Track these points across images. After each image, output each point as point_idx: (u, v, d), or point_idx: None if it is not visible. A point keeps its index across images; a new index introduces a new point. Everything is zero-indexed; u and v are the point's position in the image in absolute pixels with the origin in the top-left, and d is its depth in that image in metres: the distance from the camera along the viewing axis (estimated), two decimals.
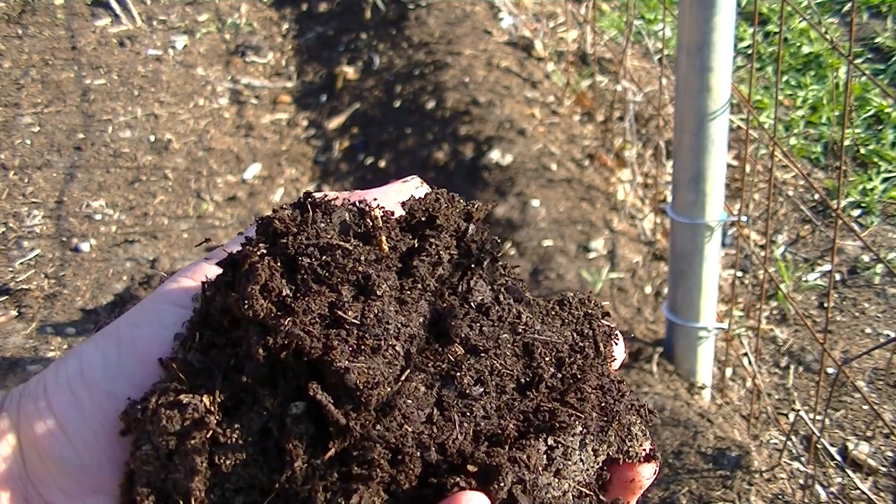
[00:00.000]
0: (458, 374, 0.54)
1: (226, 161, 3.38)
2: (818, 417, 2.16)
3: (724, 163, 2.12)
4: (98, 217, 3.00)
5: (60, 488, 0.56)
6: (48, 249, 2.84)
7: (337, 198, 0.59)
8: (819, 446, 1.97)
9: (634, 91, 3.32)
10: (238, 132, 3.55)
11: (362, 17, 4.08)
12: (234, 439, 0.52)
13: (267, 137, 3.55)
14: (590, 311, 0.63)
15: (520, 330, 0.58)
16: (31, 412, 0.56)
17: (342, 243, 0.55)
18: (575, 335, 0.61)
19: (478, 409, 0.54)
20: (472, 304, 0.58)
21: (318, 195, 0.58)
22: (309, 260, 0.54)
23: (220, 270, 0.58)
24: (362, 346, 0.52)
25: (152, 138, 3.40)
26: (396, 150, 3.33)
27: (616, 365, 0.63)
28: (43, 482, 0.56)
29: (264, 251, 0.55)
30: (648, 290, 2.69)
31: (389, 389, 0.51)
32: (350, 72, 3.81)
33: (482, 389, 0.55)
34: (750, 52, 3.50)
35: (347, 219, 0.58)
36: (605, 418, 0.57)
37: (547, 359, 0.58)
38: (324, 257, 0.54)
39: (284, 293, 0.53)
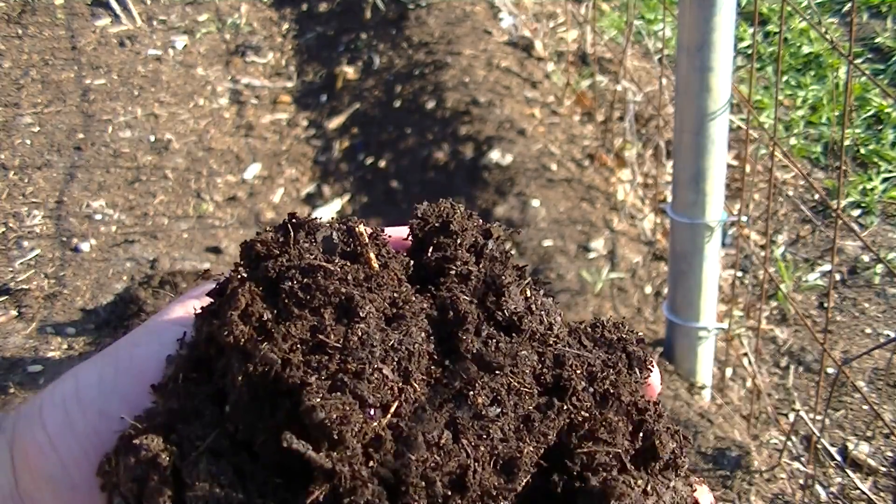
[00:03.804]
0: (472, 393, 0.51)
1: (226, 161, 3.38)
2: (818, 417, 2.16)
3: (724, 163, 2.12)
4: (98, 217, 3.00)
5: None
6: (48, 249, 2.84)
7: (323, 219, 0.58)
8: (819, 446, 1.97)
9: (634, 91, 3.32)
10: (238, 132, 3.55)
11: (362, 17, 4.08)
12: (202, 477, 0.49)
13: (267, 137, 3.55)
14: (623, 336, 0.60)
15: (551, 342, 0.56)
16: (24, 430, 0.56)
17: (324, 264, 0.53)
18: (608, 357, 0.58)
19: (495, 431, 0.50)
20: (499, 317, 0.55)
21: (301, 216, 0.57)
22: (290, 283, 0.52)
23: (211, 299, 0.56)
24: (342, 375, 0.49)
25: (152, 138, 3.40)
26: (396, 150, 3.33)
27: (654, 393, 0.60)
28: (35, 502, 0.55)
29: (245, 275, 0.54)
30: (648, 290, 2.69)
31: (376, 424, 0.48)
32: (350, 72, 3.81)
33: (499, 410, 0.51)
34: (750, 52, 3.50)
35: (334, 238, 0.56)
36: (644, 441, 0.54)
37: (578, 371, 0.55)
38: (305, 280, 0.52)
39: (265, 317, 0.51)
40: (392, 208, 3.15)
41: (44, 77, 3.68)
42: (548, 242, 2.76)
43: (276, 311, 0.52)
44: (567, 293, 2.58)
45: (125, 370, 0.57)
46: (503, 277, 0.57)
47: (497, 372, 0.52)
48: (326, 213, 3.20)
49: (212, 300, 0.56)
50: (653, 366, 0.60)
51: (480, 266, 0.58)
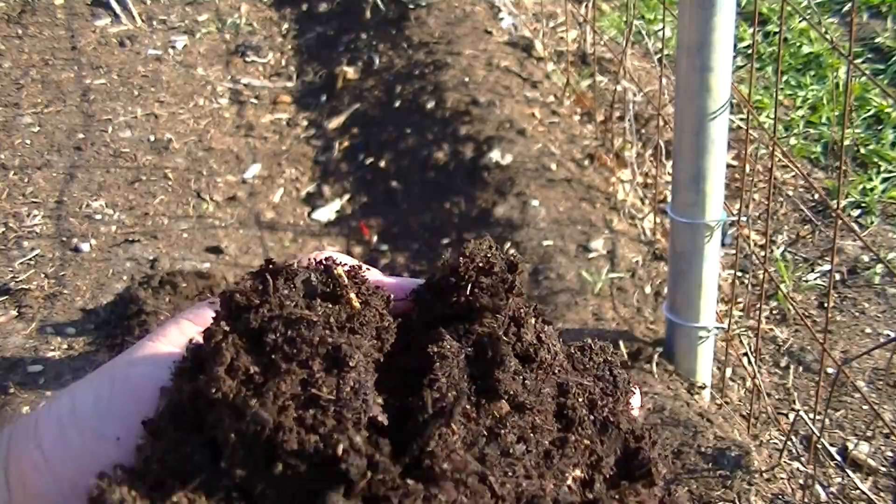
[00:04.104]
0: (503, 431, 0.51)
1: (226, 161, 3.38)
2: (818, 417, 2.16)
3: (724, 163, 2.12)
4: (98, 217, 3.00)
5: None
6: (48, 249, 2.84)
7: (300, 261, 0.57)
8: (819, 446, 1.97)
9: (634, 91, 3.32)
10: (238, 132, 3.55)
11: (362, 17, 4.08)
12: None
13: (267, 137, 3.55)
14: (609, 359, 0.62)
15: (556, 371, 0.57)
16: (19, 447, 0.56)
17: (307, 313, 0.52)
18: (598, 381, 0.60)
19: (519, 469, 0.50)
20: (518, 348, 0.56)
21: (278, 261, 0.57)
22: (274, 335, 0.51)
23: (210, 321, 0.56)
24: (341, 426, 0.48)
25: (152, 138, 3.40)
26: (396, 150, 3.33)
27: (635, 413, 0.62)
28: None
29: (227, 328, 0.53)
30: (648, 290, 2.69)
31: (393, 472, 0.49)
32: (350, 72, 3.81)
33: (524, 447, 0.52)
34: (750, 52, 3.50)
35: (313, 280, 0.56)
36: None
37: (580, 399, 0.56)
38: (289, 332, 0.51)
39: (252, 371, 0.50)
40: (392, 208, 3.15)
41: (44, 77, 3.68)
42: (548, 242, 2.76)
43: (262, 365, 0.51)
44: (567, 293, 2.58)
45: (121, 390, 0.57)
46: (522, 310, 0.58)
47: (527, 411, 0.53)
48: (326, 212, 3.20)
49: (190, 350, 0.55)
50: (635, 388, 0.62)
51: (509, 301, 0.59)
